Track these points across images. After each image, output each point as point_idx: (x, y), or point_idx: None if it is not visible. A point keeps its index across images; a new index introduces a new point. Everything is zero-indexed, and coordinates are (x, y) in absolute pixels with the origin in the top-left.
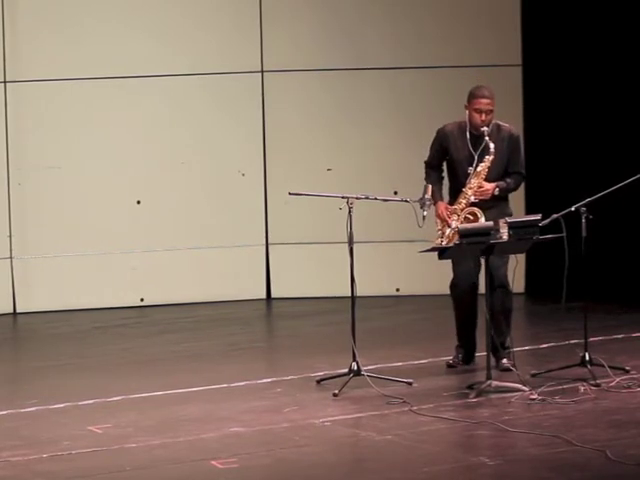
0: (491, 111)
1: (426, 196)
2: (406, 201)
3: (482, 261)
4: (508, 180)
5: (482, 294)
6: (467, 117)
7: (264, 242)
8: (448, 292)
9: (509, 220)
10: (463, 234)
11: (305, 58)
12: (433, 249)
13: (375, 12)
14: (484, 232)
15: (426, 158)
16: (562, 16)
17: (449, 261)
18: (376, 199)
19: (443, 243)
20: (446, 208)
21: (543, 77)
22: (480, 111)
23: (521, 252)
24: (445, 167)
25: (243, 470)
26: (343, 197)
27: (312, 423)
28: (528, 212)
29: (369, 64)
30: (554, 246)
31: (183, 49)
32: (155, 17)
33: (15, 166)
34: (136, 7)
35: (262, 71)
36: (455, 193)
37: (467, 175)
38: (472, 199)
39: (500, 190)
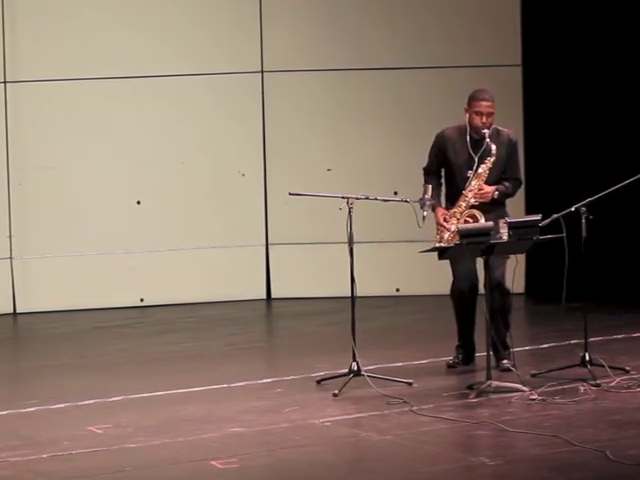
0: (491, 114)
1: (426, 196)
2: (406, 201)
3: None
4: (507, 184)
5: (482, 294)
6: (467, 120)
7: (264, 242)
8: (448, 292)
9: (509, 220)
10: (463, 234)
11: (305, 58)
12: (433, 249)
13: (375, 12)
14: (484, 232)
15: (425, 164)
16: (562, 16)
17: (449, 261)
18: (376, 199)
19: (442, 247)
20: (444, 213)
21: (543, 77)
22: (480, 114)
23: (521, 252)
24: (443, 172)
25: (243, 470)
26: (343, 197)
27: (312, 423)
28: (528, 212)
29: (369, 64)
30: (554, 246)
31: (183, 49)
32: (155, 17)
33: (15, 166)
34: (136, 7)
35: (262, 71)
36: (453, 198)
37: (466, 179)
38: (472, 202)
39: (499, 194)
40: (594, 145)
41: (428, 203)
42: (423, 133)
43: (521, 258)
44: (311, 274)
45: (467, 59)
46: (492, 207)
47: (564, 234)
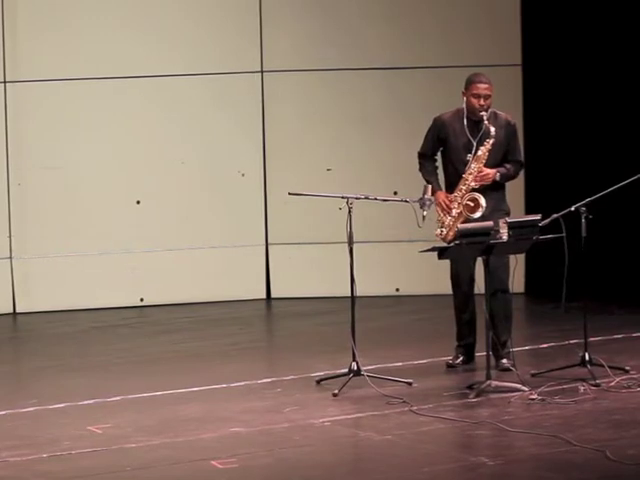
0: (489, 96)
1: (426, 196)
2: (406, 201)
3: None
4: (508, 166)
5: (482, 294)
6: (465, 104)
7: (264, 242)
8: (448, 292)
9: (509, 220)
10: (463, 234)
11: (305, 58)
12: (433, 249)
13: (375, 12)
14: (484, 232)
15: (419, 149)
16: (562, 16)
17: (449, 261)
18: (376, 199)
19: (443, 232)
20: (446, 197)
21: (543, 77)
22: (479, 96)
23: (521, 252)
24: (441, 158)
25: (243, 470)
26: (343, 197)
27: (312, 423)
28: (528, 212)
29: (369, 64)
30: (554, 246)
31: (183, 49)
32: (155, 17)
33: (15, 166)
34: (136, 7)
35: (262, 71)
36: (452, 184)
37: (465, 163)
38: (472, 185)
39: (501, 176)
40: (594, 145)
41: (428, 203)
42: (423, 133)
43: (521, 258)
44: (311, 274)
45: (467, 59)
46: (492, 192)
47: (564, 234)
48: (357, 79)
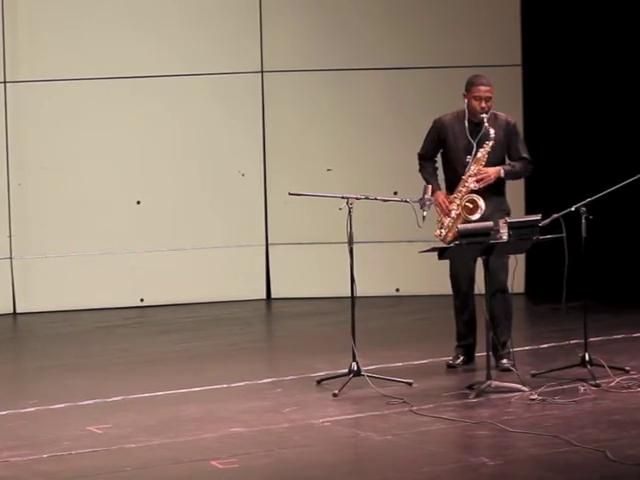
0: (490, 98)
1: (426, 196)
2: (406, 201)
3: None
4: (512, 163)
5: (482, 294)
6: (465, 106)
7: (264, 242)
8: (448, 292)
9: (509, 220)
10: (463, 234)
11: (305, 58)
12: (433, 249)
13: (375, 12)
14: (484, 232)
15: (419, 150)
16: (562, 16)
17: (448, 261)
18: (376, 199)
19: (442, 233)
20: (445, 197)
21: (543, 77)
22: (480, 98)
23: (521, 252)
24: (441, 159)
25: (243, 470)
26: (343, 197)
27: (312, 423)
28: (528, 212)
29: (369, 64)
30: (554, 246)
31: (183, 49)
32: (155, 17)
33: (15, 166)
34: (136, 7)
35: (262, 71)
36: (452, 185)
37: (465, 165)
38: (472, 186)
39: (506, 173)
40: (594, 145)
41: (428, 203)
42: (423, 133)
43: (521, 258)
44: (311, 274)
45: (467, 59)
46: (493, 192)
47: (564, 234)
48: (357, 79)
